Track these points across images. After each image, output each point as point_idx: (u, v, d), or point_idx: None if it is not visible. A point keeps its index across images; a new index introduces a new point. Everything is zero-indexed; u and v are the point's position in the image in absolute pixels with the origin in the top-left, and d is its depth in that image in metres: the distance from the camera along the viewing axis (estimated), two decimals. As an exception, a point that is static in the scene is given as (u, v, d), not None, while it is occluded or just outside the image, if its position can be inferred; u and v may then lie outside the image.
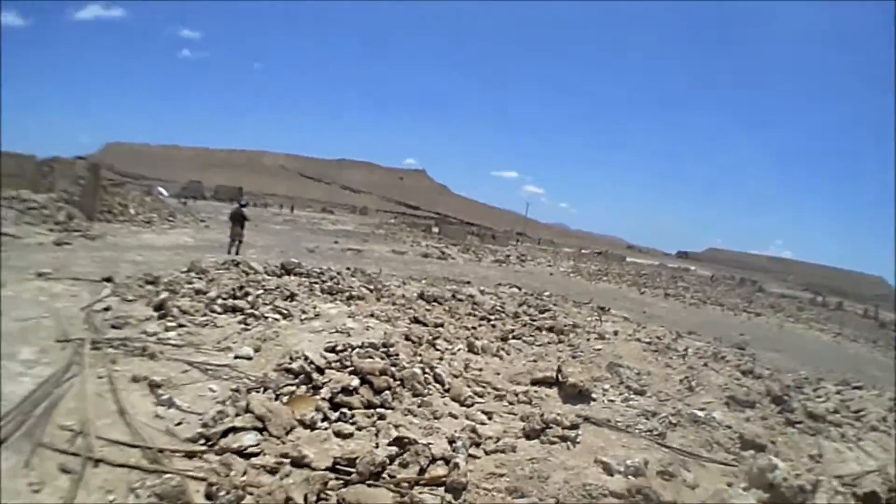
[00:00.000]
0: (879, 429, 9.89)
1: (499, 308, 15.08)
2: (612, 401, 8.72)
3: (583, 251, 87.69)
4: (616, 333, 14.01)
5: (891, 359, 22.99)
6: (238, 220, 22.34)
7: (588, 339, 12.75)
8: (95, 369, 7.19)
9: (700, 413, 8.48)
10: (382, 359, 7.93)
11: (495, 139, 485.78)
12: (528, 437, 6.87)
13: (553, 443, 6.72)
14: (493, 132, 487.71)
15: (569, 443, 6.78)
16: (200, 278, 12.66)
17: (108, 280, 12.08)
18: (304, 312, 11.02)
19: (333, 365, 7.64)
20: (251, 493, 4.85)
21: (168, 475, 5.00)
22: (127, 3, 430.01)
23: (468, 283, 20.40)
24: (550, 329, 13.21)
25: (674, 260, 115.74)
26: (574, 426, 7.15)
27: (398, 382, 7.44)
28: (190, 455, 5.47)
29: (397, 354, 8.35)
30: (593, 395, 8.66)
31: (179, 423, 6.19)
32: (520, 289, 21.42)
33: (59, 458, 5.15)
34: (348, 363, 7.60)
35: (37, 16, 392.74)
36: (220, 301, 10.94)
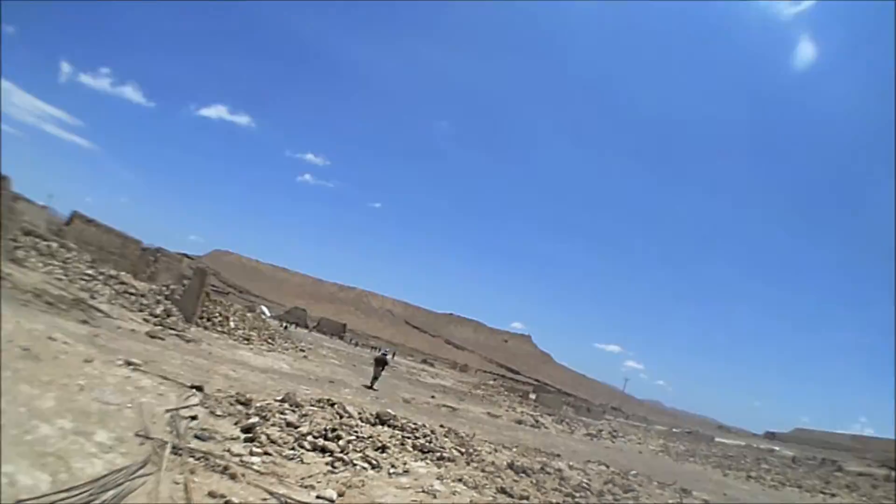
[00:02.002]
0: None
1: (585, 485, 15.45)
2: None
3: (674, 430, 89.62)
4: None
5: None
6: (381, 363, 31.79)
7: None
8: (172, 474, 7.53)
9: None
10: (465, 525, 7.92)
11: (603, 312, 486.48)
12: None
13: None
14: (601, 305, 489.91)
15: None
16: (294, 411, 13.07)
17: (199, 388, 12.69)
18: (393, 466, 11.22)
19: (415, 525, 7.67)
20: None
21: None
22: (255, 114, 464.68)
23: (558, 456, 20.88)
24: None
25: (761, 440, 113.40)
26: None
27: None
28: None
29: (480, 524, 8.32)
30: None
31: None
32: (607, 466, 21.80)
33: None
34: (430, 526, 7.61)
35: (160, 100, 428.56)
36: (310, 438, 11.30)
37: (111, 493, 6.30)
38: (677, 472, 27.89)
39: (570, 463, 19.26)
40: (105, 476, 6.65)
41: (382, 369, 31.84)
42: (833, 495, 33.06)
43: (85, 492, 6.07)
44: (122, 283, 27.34)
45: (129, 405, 9.76)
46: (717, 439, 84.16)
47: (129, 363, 12.76)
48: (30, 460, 6.35)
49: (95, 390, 9.79)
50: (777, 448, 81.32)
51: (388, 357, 37.19)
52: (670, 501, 16.55)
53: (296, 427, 11.75)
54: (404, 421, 15.80)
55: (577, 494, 13.88)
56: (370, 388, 28.88)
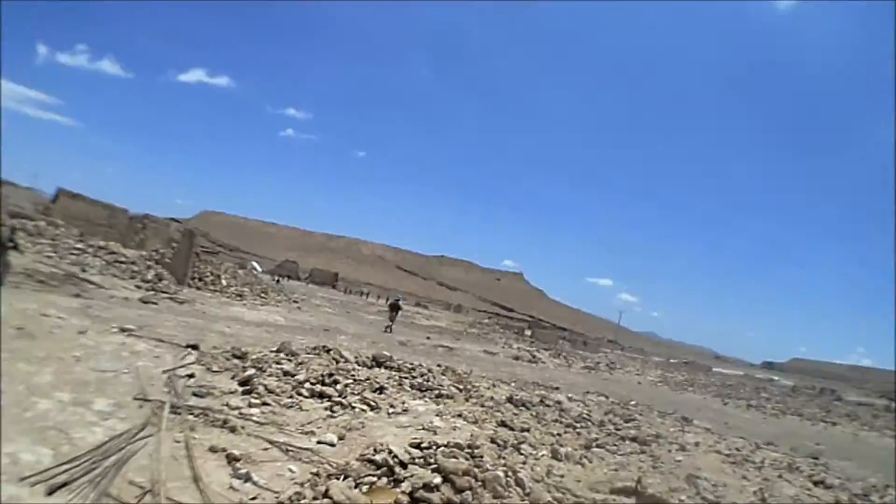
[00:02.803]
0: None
1: (585, 416, 15.58)
2: (687, 512, 8.76)
3: (671, 361, 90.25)
4: (697, 444, 14.75)
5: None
6: (395, 308, 36.09)
7: (670, 450, 13.30)
8: (173, 433, 7.54)
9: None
10: (467, 459, 7.93)
11: (594, 247, 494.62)
12: (604, 545, 6.88)
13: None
14: (591, 240, 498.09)
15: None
16: (290, 360, 13.11)
17: (194, 347, 12.70)
18: (392, 406, 11.28)
19: (417, 461, 7.68)
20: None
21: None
22: (234, 74, 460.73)
23: (557, 388, 21.05)
24: (634, 439, 13.69)
25: (759, 370, 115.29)
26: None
27: (480, 483, 7.44)
28: (262, 531, 5.61)
29: (482, 456, 8.33)
30: (670, 507, 8.67)
31: (254, 499, 6.36)
32: (607, 397, 22.05)
33: (124, 511, 5.41)
34: (432, 461, 7.64)
35: (139, 71, 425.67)
36: (307, 385, 11.31)
37: (113, 458, 6.31)
38: (677, 402, 28.04)
39: (570, 395, 19.44)
40: (106, 443, 6.67)
41: (397, 314, 35.92)
42: (834, 424, 33.11)
43: (87, 461, 6.08)
44: (112, 252, 27.13)
45: (126, 370, 9.80)
46: (714, 369, 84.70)
47: (123, 330, 12.79)
48: (31, 437, 6.34)
49: (91, 360, 9.83)
50: (775, 378, 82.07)
51: (401, 303, 40.40)
52: (672, 430, 16.62)
53: (293, 375, 11.77)
54: (401, 362, 15.89)
55: (578, 425, 14.02)
56: (386, 331, 32.59)
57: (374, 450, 7.96)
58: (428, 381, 14.29)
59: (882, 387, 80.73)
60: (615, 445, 12.67)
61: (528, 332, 69.46)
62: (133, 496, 5.70)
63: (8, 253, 18.10)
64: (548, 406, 15.48)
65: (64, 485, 5.53)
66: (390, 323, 34.54)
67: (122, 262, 26.19)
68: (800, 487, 11.57)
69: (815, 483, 12.30)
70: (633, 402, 21.75)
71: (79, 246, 25.84)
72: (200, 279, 30.22)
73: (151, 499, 5.69)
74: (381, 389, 12.28)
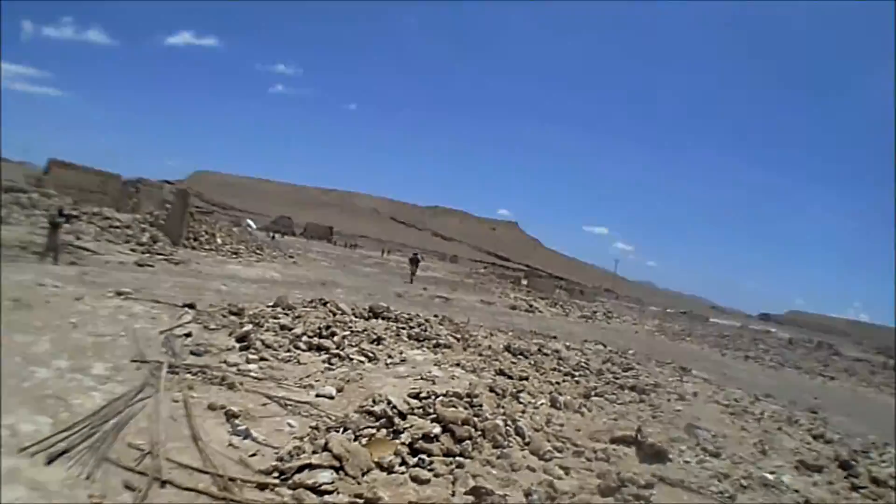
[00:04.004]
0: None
1: (583, 364, 15.48)
2: (687, 462, 8.75)
3: (668, 310, 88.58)
4: (696, 394, 14.68)
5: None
6: (414, 262, 41.39)
7: (669, 400, 13.21)
8: (171, 393, 7.49)
9: (770, 477, 8.68)
10: (466, 408, 7.91)
11: (589, 195, 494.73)
12: (604, 495, 6.82)
13: (627, 501, 6.68)
14: (586, 188, 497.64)
15: (643, 502, 6.74)
16: (286, 314, 13.08)
17: (191, 306, 12.61)
18: (389, 357, 11.21)
19: (416, 411, 7.66)
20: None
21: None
22: (221, 34, 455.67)
23: (554, 337, 20.93)
24: (632, 388, 13.59)
25: (756, 321, 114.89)
26: (649, 486, 7.20)
27: (479, 433, 7.42)
28: (262, 487, 5.54)
29: (481, 405, 8.30)
30: (670, 456, 8.63)
31: (254, 455, 6.33)
32: (605, 346, 21.82)
33: (124, 474, 5.34)
34: (431, 410, 7.61)
35: (125, 37, 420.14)
36: (305, 338, 11.29)
37: (112, 422, 6.24)
38: (674, 352, 27.90)
39: (567, 344, 19.33)
40: (104, 407, 6.60)
41: (416, 267, 40.81)
42: (832, 378, 32.78)
43: (86, 427, 6.01)
44: (106, 218, 26.89)
45: (123, 333, 9.74)
46: (711, 319, 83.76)
47: (119, 293, 12.68)
48: (29, 407, 6.24)
49: (89, 325, 9.76)
50: (773, 330, 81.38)
51: (419, 257, 46.53)
52: (670, 379, 16.54)
53: (290, 329, 11.77)
54: (398, 313, 15.81)
55: (577, 373, 13.98)
56: (410, 283, 36.71)
57: (373, 401, 7.93)
58: (425, 331, 14.24)
59: (880, 343, 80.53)
60: (614, 394, 12.66)
61: (525, 282, 68.00)
62: (133, 459, 5.64)
63: (59, 232, 18.03)
64: (546, 355, 15.35)
65: (63, 452, 5.46)
66: (412, 274, 39.28)
67: (116, 227, 25.98)
68: (799, 441, 11.58)
69: (815, 437, 12.28)
70: (631, 352, 21.57)
71: (73, 214, 25.58)
72: (195, 239, 30.02)
73: (151, 460, 5.63)
74: (378, 340, 12.22)
